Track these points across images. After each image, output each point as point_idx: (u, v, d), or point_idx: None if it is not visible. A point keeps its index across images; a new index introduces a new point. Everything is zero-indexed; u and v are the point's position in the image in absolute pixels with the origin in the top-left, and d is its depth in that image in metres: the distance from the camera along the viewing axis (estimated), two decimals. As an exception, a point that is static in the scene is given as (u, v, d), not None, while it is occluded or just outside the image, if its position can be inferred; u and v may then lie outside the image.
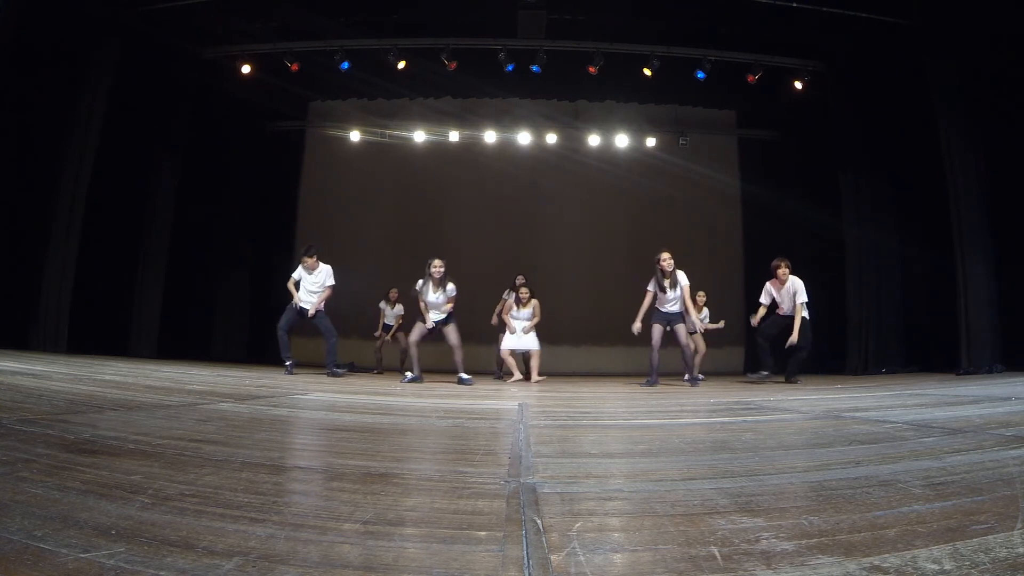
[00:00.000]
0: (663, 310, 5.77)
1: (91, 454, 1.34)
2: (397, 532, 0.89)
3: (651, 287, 5.80)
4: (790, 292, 5.84)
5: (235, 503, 1.00)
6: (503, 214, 10.05)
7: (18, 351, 5.79)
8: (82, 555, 0.73)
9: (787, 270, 5.87)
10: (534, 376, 6.47)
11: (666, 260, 5.73)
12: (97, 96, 7.03)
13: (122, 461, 1.28)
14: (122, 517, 0.89)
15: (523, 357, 6.75)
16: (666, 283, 5.71)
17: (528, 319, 6.71)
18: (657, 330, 5.73)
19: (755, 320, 6.04)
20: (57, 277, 6.75)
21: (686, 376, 5.89)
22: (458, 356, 5.61)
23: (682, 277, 5.76)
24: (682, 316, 5.78)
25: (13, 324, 6.42)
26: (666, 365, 6.04)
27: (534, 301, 6.76)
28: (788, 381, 5.60)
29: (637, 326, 5.80)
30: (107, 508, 0.93)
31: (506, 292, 7.19)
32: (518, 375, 6.55)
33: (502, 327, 7.00)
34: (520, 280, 6.96)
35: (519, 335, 6.67)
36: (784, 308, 5.91)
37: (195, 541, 0.80)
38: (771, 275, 5.98)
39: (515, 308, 6.74)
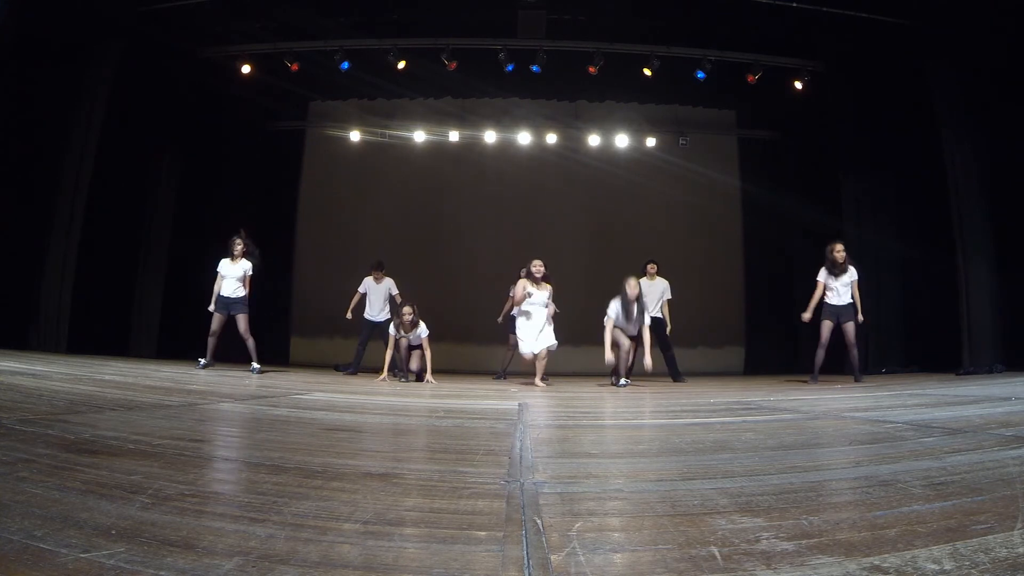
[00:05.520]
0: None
1: (91, 454, 1.34)
2: (397, 532, 0.89)
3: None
4: (846, 281, 5.56)
5: (235, 503, 1.00)
6: (503, 214, 10.03)
7: (18, 351, 5.78)
8: (82, 555, 0.73)
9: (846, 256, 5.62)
10: (537, 379, 5.51)
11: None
12: (97, 96, 7.04)
13: (122, 461, 1.28)
14: (122, 517, 0.88)
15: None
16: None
17: (544, 305, 5.62)
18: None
19: (808, 315, 5.65)
20: (57, 277, 6.76)
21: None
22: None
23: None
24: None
25: (13, 324, 6.41)
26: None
27: (549, 287, 5.70)
28: (858, 381, 5.24)
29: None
30: (107, 508, 0.93)
31: (511, 288, 6.41)
32: (541, 384, 5.40)
33: (511, 326, 6.20)
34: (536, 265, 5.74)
35: (535, 327, 5.57)
36: (837, 297, 5.57)
37: (195, 541, 0.80)
38: (823, 262, 5.61)
39: (529, 286, 5.61)
